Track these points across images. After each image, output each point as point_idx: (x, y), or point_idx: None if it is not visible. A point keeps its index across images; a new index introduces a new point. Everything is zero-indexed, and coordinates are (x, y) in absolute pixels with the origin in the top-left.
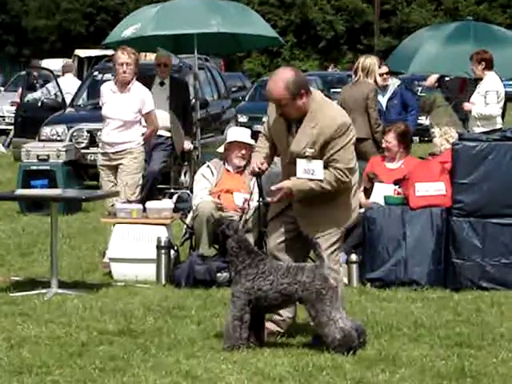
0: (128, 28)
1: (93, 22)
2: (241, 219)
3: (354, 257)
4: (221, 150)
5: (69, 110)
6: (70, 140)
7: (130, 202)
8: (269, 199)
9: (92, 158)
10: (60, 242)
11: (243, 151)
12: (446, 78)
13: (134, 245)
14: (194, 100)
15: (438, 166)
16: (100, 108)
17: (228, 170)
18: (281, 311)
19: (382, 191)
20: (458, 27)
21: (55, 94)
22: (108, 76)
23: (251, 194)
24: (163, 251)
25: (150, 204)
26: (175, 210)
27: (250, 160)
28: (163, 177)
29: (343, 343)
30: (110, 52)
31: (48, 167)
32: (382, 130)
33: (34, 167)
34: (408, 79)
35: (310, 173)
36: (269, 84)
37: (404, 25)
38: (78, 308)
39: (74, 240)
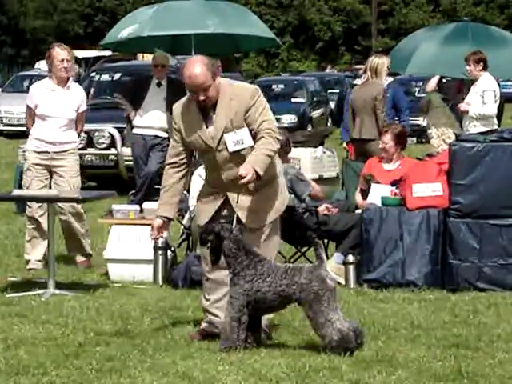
0: (125, 29)
1: (90, 23)
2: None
3: (350, 258)
4: None
5: None
6: None
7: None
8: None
9: (89, 159)
10: (57, 242)
11: None
12: (444, 80)
13: (131, 246)
14: None
15: (435, 167)
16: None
17: None
18: (216, 312)
19: (379, 192)
20: (455, 28)
21: None
22: (105, 77)
23: None
24: (160, 252)
25: (147, 205)
26: None
27: None
28: (160, 177)
29: (340, 344)
30: (107, 53)
31: None
32: None
33: None
34: (405, 80)
35: (240, 143)
36: (189, 71)
37: (402, 26)
38: (75, 309)
39: None
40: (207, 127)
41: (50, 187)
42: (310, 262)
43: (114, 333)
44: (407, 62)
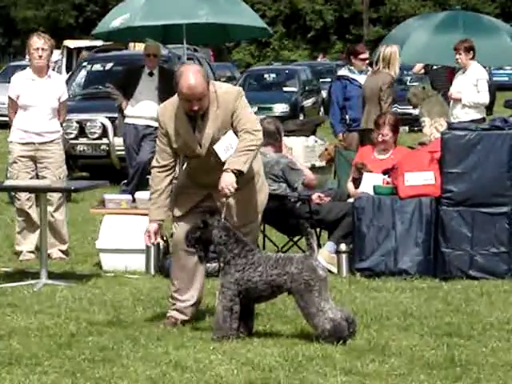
0: (117, 18)
1: (82, 13)
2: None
3: (343, 247)
4: None
5: None
6: None
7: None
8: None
9: (81, 149)
10: (49, 232)
11: None
12: (434, 67)
13: (123, 235)
14: None
15: (427, 156)
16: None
17: None
18: (183, 298)
19: (371, 181)
20: (447, 17)
21: None
22: (97, 67)
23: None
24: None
25: (139, 194)
26: None
27: None
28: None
29: (333, 333)
30: (99, 43)
31: None
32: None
33: None
34: None
35: (230, 147)
36: (189, 81)
37: (393, 14)
38: (68, 299)
39: None
40: (195, 135)
41: (37, 178)
42: (303, 251)
43: (107, 323)
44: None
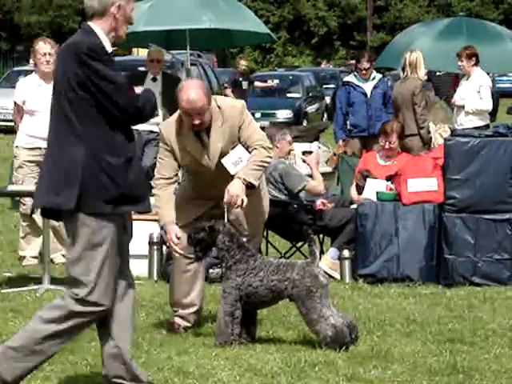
0: None
1: (85, 18)
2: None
3: (346, 253)
4: None
5: None
6: None
7: None
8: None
9: None
10: (52, 238)
11: None
12: (438, 73)
13: None
14: None
15: (431, 162)
16: None
17: None
18: (185, 304)
19: (375, 187)
20: (450, 23)
21: None
22: None
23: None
24: (155, 247)
25: None
26: None
27: None
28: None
29: (335, 340)
30: None
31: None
32: (427, 126)
33: None
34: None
35: (240, 161)
36: (188, 95)
37: (397, 21)
38: None
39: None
40: (203, 151)
41: None
42: (306, 257)
43: None
44: (402, 58)
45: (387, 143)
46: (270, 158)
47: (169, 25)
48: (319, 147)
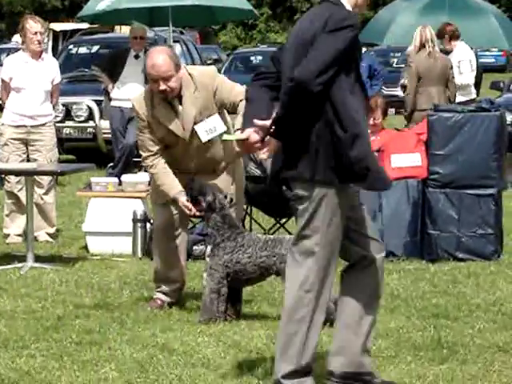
0: (103, 1)
1: None
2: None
3: None
4: None
5: None
6: None
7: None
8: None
9: (67, 132)
10: (36, 215)
11: None
12: None
13: (109, 218)
14: None
15: (414, 138)
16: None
17: None
18: (168, 280)
19: None
20: None
21: None
22: (83, 50)
23: None
24: (139, 224)
25: (125, 177)
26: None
27: None
28: (138, 150)
29: None
30: (85, 25)
31: None
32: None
33: None
34: (383, 51)
35: (213, 131)
36: (152, 60)
37: None
38: (54, 282)
39: None
40: (176, 120)
41: (28, 161)
42: (289, 233)
43: (94, 306)
44: (385, 33)
45: (371, 119)
46: None
47: (151, 2)
48: None
